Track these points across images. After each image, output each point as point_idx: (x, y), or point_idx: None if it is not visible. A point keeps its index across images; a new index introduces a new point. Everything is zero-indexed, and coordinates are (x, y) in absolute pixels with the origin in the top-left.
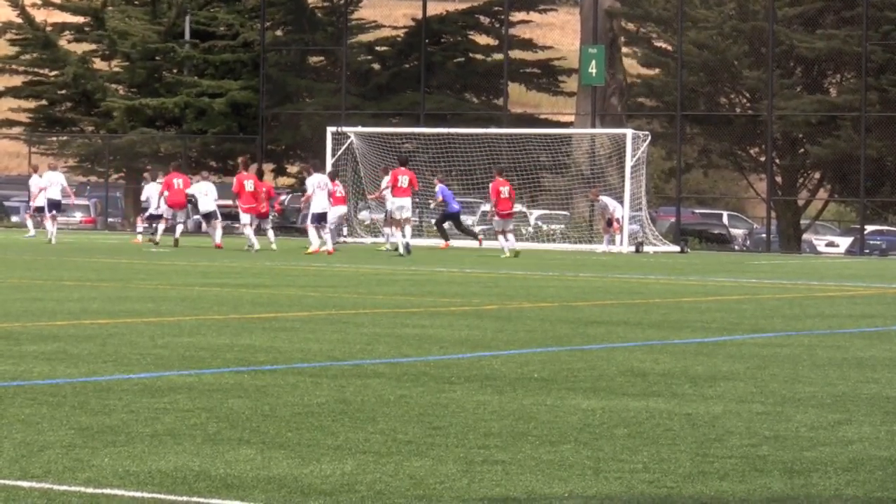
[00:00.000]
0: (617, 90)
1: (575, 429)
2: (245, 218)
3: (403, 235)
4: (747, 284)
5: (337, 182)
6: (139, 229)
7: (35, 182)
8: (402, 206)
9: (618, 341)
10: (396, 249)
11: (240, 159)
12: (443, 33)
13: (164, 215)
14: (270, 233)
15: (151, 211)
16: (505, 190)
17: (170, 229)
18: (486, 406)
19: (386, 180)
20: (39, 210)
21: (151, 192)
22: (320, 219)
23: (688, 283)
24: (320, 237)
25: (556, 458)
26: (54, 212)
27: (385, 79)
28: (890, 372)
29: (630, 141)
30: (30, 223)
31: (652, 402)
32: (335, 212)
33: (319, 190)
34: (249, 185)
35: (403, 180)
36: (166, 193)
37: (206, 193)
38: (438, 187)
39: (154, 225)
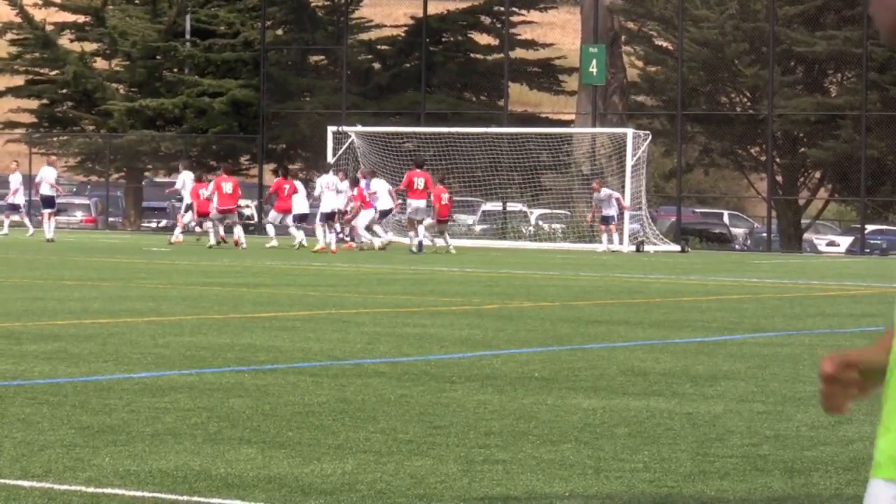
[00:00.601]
0: (618, 89)
1: (576, 428)
2: (214, 215)
3: (416, 234)
4: (748, 284)
5: (362, 186)
6: (189, 227)
7: (15, 179)
8: (417, 207)
9: (618, 340)
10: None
11: (222, 168)
12: (443, 32)
13: (193, 221)
14: (293, 230)
15: (186, 202)
16: (445, 196)
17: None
18: (486, 405)
19: (369, 183)
20: (13, 208)
21: (186, 178)
22: (328, 218)
23: (688, 283)
24: (326, 235)
25: (557, 457)
26: (48, 210)
27: (386, 78)
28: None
29: (630, 140)
30: (27, 222)
31: (653, 402)
32: (367, 214)
33: (328, 190)
34: (228, 188)
35: (419, 182)
36: (195, 203)
37: None
38: (364, 182)
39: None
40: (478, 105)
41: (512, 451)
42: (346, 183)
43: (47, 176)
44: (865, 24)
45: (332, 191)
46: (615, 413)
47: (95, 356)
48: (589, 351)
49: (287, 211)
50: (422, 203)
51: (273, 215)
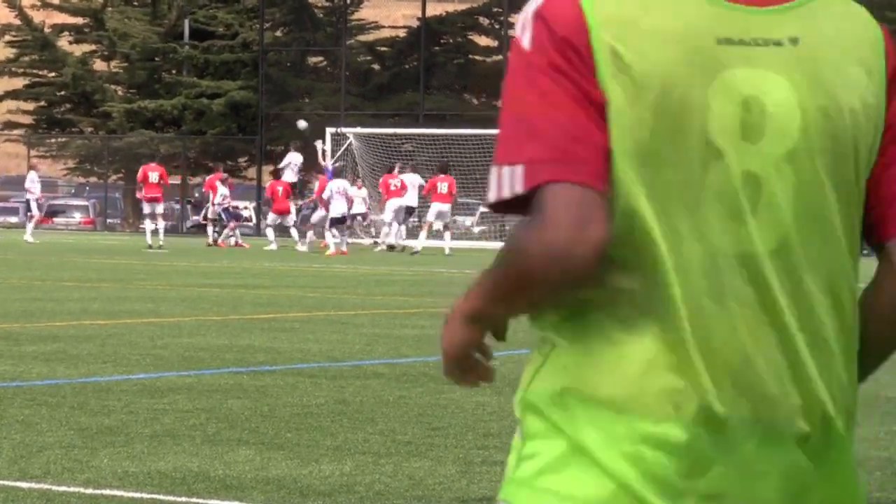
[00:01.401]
0: None
1: None
2: (147, 208)
3: (426, 238)
4: None
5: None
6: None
7: None
8: (440, 211)
9: None
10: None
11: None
12: (442, 34)
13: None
14: (294, 231)
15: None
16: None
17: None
18: (485, 407)
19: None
20: None
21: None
22: (337, 223)
23: None
24: (335, 238)
25: None
26: (30, 213)
27: (385, 79)
28: (889, 372)
29: None
30: None
31: None
32: (393, 205)
33: (338, 195)
34: (154, 177)
35: (442, 186)
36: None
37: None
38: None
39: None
40: (477, 106)
41: None
42: (356, 187)
43: (31, 179)
44: None
45: (342, 195)
46: None
47: (94, 357)
48: None
49: (283, 212)
50: (445, 207)
51: (272, 217)
